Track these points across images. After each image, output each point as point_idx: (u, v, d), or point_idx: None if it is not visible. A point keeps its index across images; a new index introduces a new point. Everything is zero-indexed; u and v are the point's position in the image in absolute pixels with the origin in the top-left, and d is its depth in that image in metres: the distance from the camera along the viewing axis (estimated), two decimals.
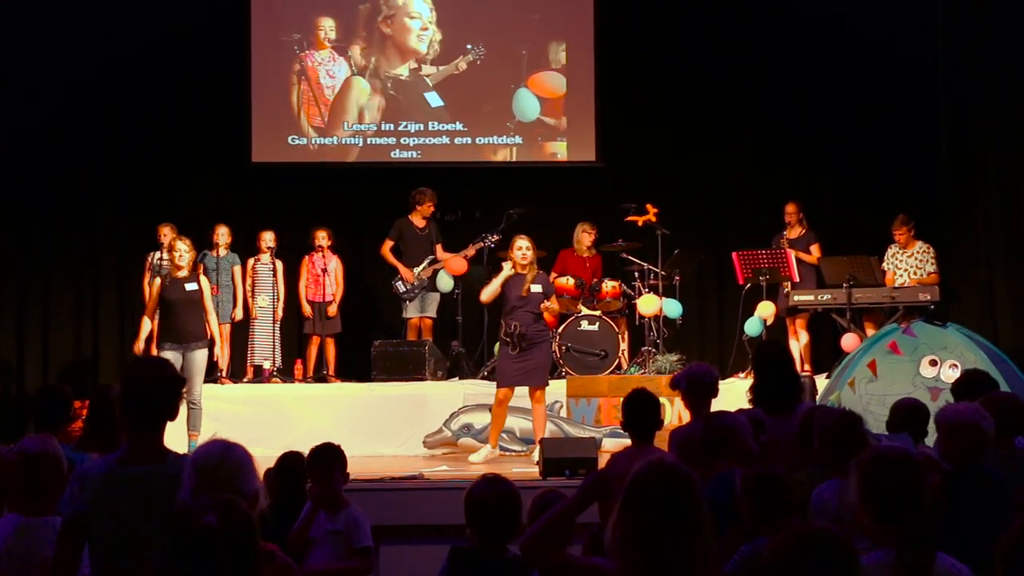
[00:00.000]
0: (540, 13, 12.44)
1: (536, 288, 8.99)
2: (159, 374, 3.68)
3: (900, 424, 5.15)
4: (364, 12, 12.44)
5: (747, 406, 5.55)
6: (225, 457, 3.25)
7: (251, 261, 11.07)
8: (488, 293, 9.14)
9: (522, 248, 9.05)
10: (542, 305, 8.94)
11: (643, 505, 2.81)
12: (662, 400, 9.69)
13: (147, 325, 9.41)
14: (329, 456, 5.08)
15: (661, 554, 2.75)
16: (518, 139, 12.36)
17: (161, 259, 10.70)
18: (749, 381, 9.92)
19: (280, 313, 11.04)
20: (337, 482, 5.05)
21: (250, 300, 10.93)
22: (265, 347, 10.93)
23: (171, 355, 9.11)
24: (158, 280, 9.42)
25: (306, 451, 5.44)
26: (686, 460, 4.95)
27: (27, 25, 11.79)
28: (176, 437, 8.83)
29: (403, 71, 12.43)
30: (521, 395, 9.16)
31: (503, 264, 9.21)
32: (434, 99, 12.39)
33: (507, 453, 9.46)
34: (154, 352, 10.34)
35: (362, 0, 12.42)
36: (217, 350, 10.14)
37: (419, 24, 12.45)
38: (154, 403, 3.61)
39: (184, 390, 3.78)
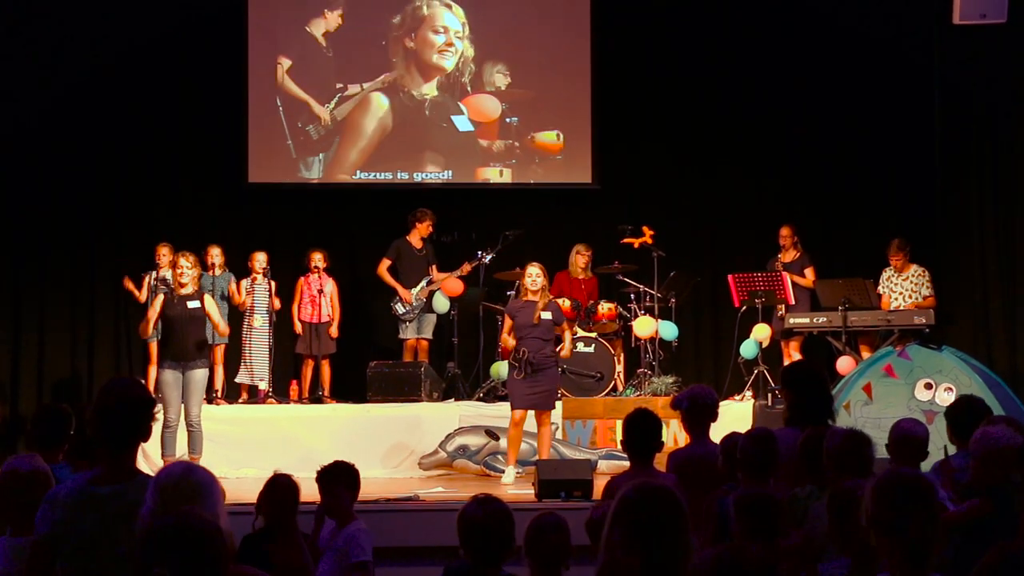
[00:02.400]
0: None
1: (546, 315, 9.07)
2: (130, 394, 3.67)
3: (909, 451, 5.08)
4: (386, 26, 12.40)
5: (740, 429, 5.54)
6: (186, 478, 3.23)
7: (244, 282, 11.06)
8: None
9: (532, 275, 9.13)
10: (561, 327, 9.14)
11: (631, 526, 2.84)
12: None
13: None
14: (335, 472, 5.19)
15: (649, 573, 2.77)
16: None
17: (159, 279, 10.67)
18: (745, 404, 10.12)
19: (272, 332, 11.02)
20: (340, 499, 5.13)
21: (248, 319, 10.92)
22: (260, 368, 10.91)
23: (171, 374, 9.07)
24: (161, 297, 9.36)
25: (301, 473, 5.48)
26: (685, 483, 4.98)
27: (22, 43, 11.79)
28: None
29: (429, 90, 12.37)
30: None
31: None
32: (463, 123, 12.34)
33: (500, 474, 9.44)
34: (151, 372, 10.38)
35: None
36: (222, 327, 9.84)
37: (443, 39, 12.38)
38: (124, 423, 3.60)
39: (156, 410, 3.76)
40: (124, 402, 3.61)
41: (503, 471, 9.29)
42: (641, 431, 5.27)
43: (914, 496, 2.99)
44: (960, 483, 4.73)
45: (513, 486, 8.85)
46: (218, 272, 10.88)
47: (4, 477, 4.23)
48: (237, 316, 11.02)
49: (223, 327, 9.63)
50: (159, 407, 8.79)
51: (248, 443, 9.92)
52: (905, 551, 2.93)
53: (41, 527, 3.56)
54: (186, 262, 9.24)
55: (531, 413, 9.08)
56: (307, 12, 12.32)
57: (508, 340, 9.12)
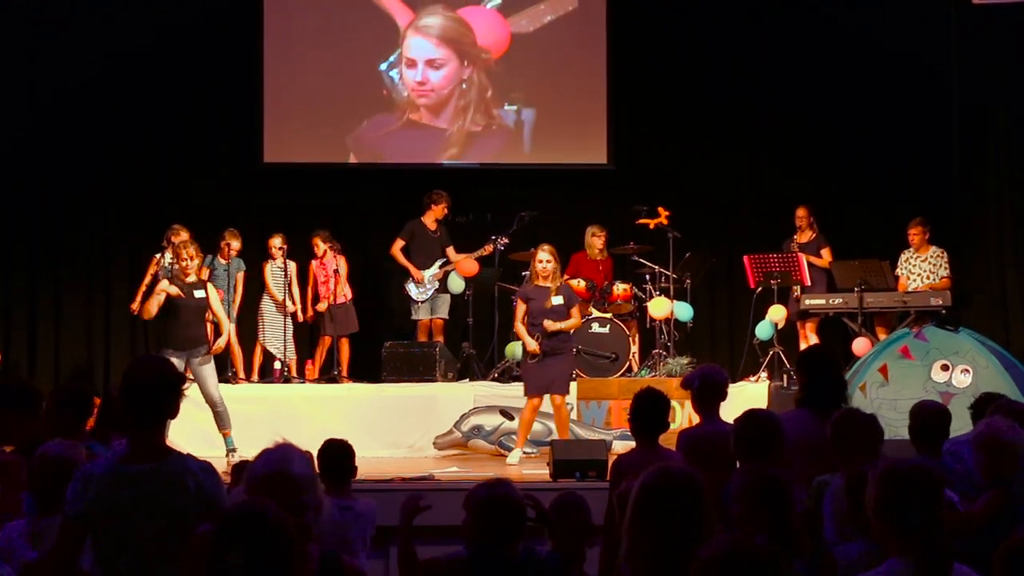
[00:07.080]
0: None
1: (558, 300, 9.02)
2: (158, 372, 3.68)
3: (928, 431, 5.06)
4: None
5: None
6: (283, 472, 3.24)
7: (266, 266, 11.07)
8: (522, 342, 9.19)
9: (543, 261, 9.07)
10: (545, 324, 8.90)
11: (653, 511, 2.84)
12: (672, 403, 9.81)
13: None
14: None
15: (672, 558, 2.76)
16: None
17: (173, 263, 10.66)
18: (760, 385, 10.11)
19: (295, 310, 11.01)
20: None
21: (273, 296, 10.93)
22: (276, 348, 10.91)
23: (175, 361, 9.04)
24: (166, 281, 9.29)
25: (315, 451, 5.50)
26: (695, 462, 4.98)
27: (34, 25, 11.80)
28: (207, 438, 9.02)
29: None
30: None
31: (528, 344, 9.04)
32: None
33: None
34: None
35: None
36: (221, 341, 9.61)
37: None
38: (153, 401, 3.61)
39: (185, 387, 3.76)
40: (153, 380, 3.62)
41: (524, 452, 9.32)
42: (649, 410, 5.27)
43: (917, 487, 2.98)
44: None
45: (520, 466, 8.84)
46: (224, 261, 10.84)
47: (41, 460, 4.23)
48: (254, 298, 11.06)
49: (224, 321, 9.49)
50: (204, 395, 8.88)
51: (263, 422, 9.89)
52: (908, 540, 2.93)
53: (73, 505, 3.55)
54: (188, 252, 9.13)
55: (547, 396, 9.09)
56: None
57: (522, 330, 9.02)
